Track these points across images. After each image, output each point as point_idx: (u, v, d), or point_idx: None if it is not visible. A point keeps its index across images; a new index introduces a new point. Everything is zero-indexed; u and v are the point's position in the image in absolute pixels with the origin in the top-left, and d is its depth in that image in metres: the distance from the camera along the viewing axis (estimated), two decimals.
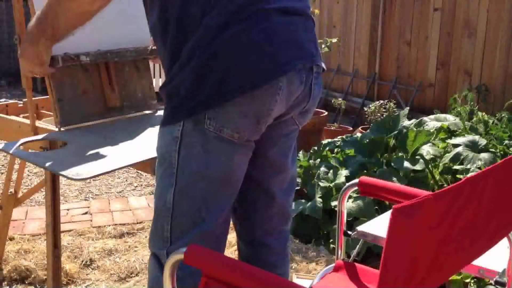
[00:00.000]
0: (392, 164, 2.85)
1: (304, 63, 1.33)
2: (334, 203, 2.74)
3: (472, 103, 3.98)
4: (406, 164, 2.80)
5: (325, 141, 3.41)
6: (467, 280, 2.24)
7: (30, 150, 1.82)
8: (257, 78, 1.25)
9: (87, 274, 2.53)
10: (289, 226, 1.64)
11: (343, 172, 2.90)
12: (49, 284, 1.94)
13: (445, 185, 2.81)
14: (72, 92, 1.89)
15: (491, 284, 2.14)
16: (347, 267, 1.54)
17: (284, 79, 1.29)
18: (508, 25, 4.52)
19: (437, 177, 2.85)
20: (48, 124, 2.01)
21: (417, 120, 3.35)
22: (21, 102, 2.40)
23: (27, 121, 2.00)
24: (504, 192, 1.10)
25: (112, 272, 2.54)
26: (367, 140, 3.08)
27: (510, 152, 2.91)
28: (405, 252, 0.88)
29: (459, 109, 3.79)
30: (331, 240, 2.73)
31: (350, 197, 2.67)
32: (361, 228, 1.68)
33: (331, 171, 2.95)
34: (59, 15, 1.45)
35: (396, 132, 3.04)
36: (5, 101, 2.50)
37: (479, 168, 2.71)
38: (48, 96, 1.94)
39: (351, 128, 4.75)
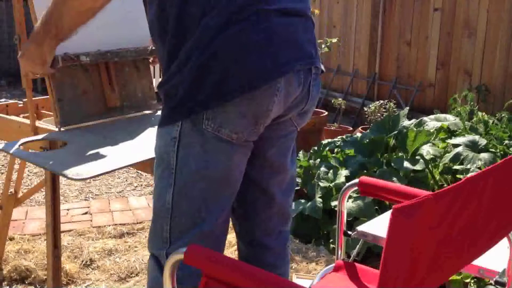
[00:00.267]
0: (392, 164, 2.85)
1: (303, 64, 1.33)
2: (334, 203, 2.74)
3: (472, 103, 3.97)
4: (406, 164, 2.80)
5: (325, 141, 3.41)
6: (467, 280, 2.24)
7: (30, 150, 1.82)
8: (256, 79, 1.25)
9: (87, 274, 2.53)
10: (289, 227, 1.64)
11: (343, 172, 2.90)
12: (49, 284, 1.94)
13: (445, 185, 2.81)
14: (72, 92, 1.89)
15: (491, 284, 2.14)
16: (347, 267, 1.54)
17: (283, 80, 1.29)
18: (508, 25, 4.52)
19: (437, 177, 2.85)
20: (48, 124, 2.01)
21: (417, 120, 3.35)
22: (21, 102, 2.40)
23: (27, 121, 2.00)
24: (504, 192, 1.10)
25: (112, 272, 2.54)
26: (367, 140, 3.08)
27: (510, 152, 2.91)
28: (405, 252, 0.88)
29: (459, 109, 3.79)
30: (331, 240, 2.73)
31: (350, 197, 2.67)
32: (361, 228, 1.68)
33: (331, 171, 2.95)
34: (63, 14, 1.45)
35: (396, 132, 3.04)
36: (5, 101, 2.50)
37: (479, 168, 2.71)
38: (48, 96, 1.94)
39: (351, 128, 4.75)
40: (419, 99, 5.27)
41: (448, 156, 2.87)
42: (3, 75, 7.61)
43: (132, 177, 3.95)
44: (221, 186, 1.34)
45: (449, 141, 3.02)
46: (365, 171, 2.89)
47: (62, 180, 2.99)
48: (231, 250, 2.58)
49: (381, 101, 4.31)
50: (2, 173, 3.90)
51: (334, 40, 4.69)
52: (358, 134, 3.36)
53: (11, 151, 1.69)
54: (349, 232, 1.60)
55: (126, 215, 3.23)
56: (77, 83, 1.91)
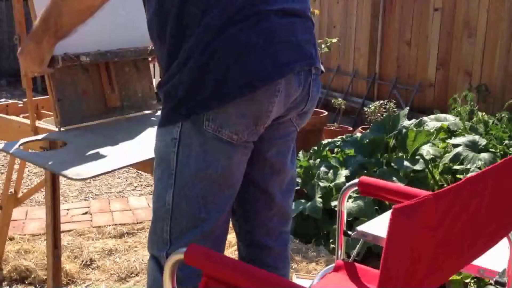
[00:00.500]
0: (392, 164, 2.85)
1: (303, 65, 1.33)
2: (334, 203, 2.74)
3: (472, 103, 3.97)
4: (406, 164, 2.80)
5: (325, 141, 3.41)
6: (467, 280, 2.24)
7: (30, 150, 1.82)
8: (256, 80, 1.25)
9: (87, 274, 2.53)
10: (289, 227, 1.64)
11: (343, 172, 2.90)
12: (49, 284, 1.94)
13: (445, 185, 2.81)
14: (72, 92, 1.89)
15: (491, 284, 2.14)
16: (347, 267, 1.54)
17: (283, 81, 1.29)
18: (508, 25, 4.52)
19: (437, 177, 2.85)
20: (48, 124, 2.02)
21: (417, 120, 3.35)
22: (21, 102, 2.40)
23: (27, 121, 2.00)
24: (504, 192, 1.10)
25: (112, 272, 2.54)
26: (367, 140, 3.08)
27: (510, 152, 2.91)
28: (405, 252, 0.88)
29: (459, 109, 3.79)
30: (331, 240, 2.73)
31: (350, 197, 2.67)
32: (361, 228, 1.68)
33: (331, 171, 2.95)
34: (63, 12, 1.45)
35: (396, 132, 3.04)
36: (5, 101, 2.50)
37: (479, 168, 2.71)
38: (48, 96, 1.94)
39: (351, 128, 4.75)
40: (419, 99, 5.27)
41: (448, 156, 2.87)
42: (3, 75, 7.61)
43: (132, 177, 3.95)
44: (221, 186, 1.34)
45: (449, 141, 3.02)
46: (365, 171, 2.89)
47: (62, 180, 2.99)
48: (231, 250, 2.58)
49: (381, 101, 4.31)
50: (2, 173, 3.90)
51: (334, 40, 4.69)
52: (358, 134, 3.36)
53: (11, 151, 1.69)
54: (349, 232, 1.60)
55: (126, 215, 3.23)
56: (77, 83, 1.91)
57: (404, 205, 0.85)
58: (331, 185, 2.86)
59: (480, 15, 4.70)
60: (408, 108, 3.62)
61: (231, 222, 1.53)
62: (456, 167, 2.79)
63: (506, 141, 3.02)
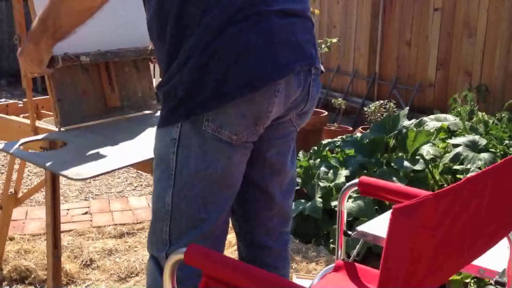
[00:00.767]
0: (392, 164, 2.85)
1: (302, 65, 1.33)
2: (334, 203, 2.74)
3: (472, 103, 3.97)
4: (406, 164, 2.80)
5: (325, 141, 3.41)
6: (467, 280, 2.24)
7: (30, 150, 1.82)
8: (256, 80, 1.25)
9: (87, 274, 2.53)
10: (289, 228, 1.64)
11: (343, 172, 2.90)
12: (49, 284, 1.94)
13: (445, 185, 2.81)
14: (72, 92, 1.89)
15: (491, 284, 2.14)
16: (347, 267, 1.54)
17: (283, 81, 1.29)
18: (508, 25, 4.52)
19: (437, 177, 2.85)
20: (48, 124, 2.02)
21: (417, 120, 3.35)
22: (21, 102, 2.40)
23: (27, 121, 2.00)
24: (504, 192, 1.10)
25: (112, 272, 2.54)
26: (367, 140, 3.08)
27: (510, 152, 2.91)
28: (405, 252, 0.88)
29: (459, 109, 3.79)
30: (331, 240, 2.73)
31: (350, 197, 2.67)
32: (361, 228, 1.68)
33: (331, 171, 2.95)
34: (62, 13, 1.44)
35: (396, 132, 3.04)
36: (5, 101, 2.50)
37: (479, 168, 2.71)
38: (48, 96, 1.94)
39: (351, 128, 4.75)
40: (419, 99, 5.27)
41: (448, 156, 2.87)
42: (3, 75, 7.61)
43: (132, 177, 3.95)
44: (221, 187, 1.34)
45: (449, 141, 3.02)
46: (365, 171, 2.89)
47: (62, 180, 2.99)
48: (231, 250, 2.58)
49: (381, 101, 4.31)
50: (2, 173, 3.90)
51: (334, 40, 4.69)
52: (358, 134, 3.36)
53: (11, 151, 1.69)
54: (349, 232, 1.60)
55: (126, 215, 3.23)
56: (77, 83, 1.91)
57: (404, 205, 0.85)
58: (331, 185, 2.86)
59: (480, 15, 4.70)
60: (408, 108, 3.62)
61: (231, 222, 1.53)
62: (456, 167, 2.79)
63: (506, 141, 3.02)
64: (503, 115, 3.62)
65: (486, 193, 1.02)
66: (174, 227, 1.34)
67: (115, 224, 3.08)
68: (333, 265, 1.56)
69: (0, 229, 2.40)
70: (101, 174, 1.56)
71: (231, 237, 2.05)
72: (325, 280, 1.51)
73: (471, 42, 4.80)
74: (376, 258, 2.49)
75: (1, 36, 7.71)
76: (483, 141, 2.91)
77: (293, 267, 2.53)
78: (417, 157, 2.88)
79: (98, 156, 1.64)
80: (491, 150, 2.88)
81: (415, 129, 3.04)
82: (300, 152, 3.30)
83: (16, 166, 2.50)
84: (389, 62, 5.58)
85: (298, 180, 3.05)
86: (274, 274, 1.05)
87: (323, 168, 2.98)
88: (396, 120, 3.11)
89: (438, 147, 3.01)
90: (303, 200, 2.89)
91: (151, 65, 2.15)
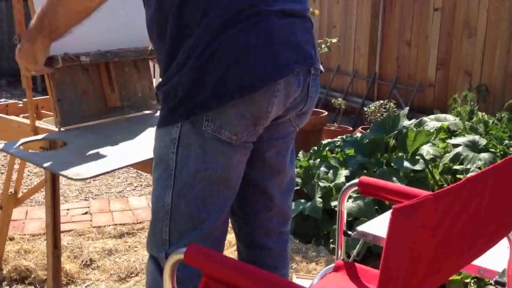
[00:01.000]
0: (392, 164, 2.85)
1: (302, 65, 1.33)
2: (334, 203, 2.74)
3: (472, 103, 3.97)
4: (406, 164, 2.80)
5: (325, 141, 3.41)
6: (467, 280, 2.24)
7: (30, 150, 1.82)
8: (256, 80, 1.25)
9: (87, 274, 2.53)
10: (289, 228, 1.64)
11: (343, 172, 2.90)
12: (49, 284, 1.94)
13: (445, 185, 2.81)
14: (72, 92, 1.89)
15: (491, 284, 2.14)
16: (347, 267, 1.54)
17: (282, 81, 1.29)
18: (508, 25, 4.52)
19: (437, 177, 2.85)
20: (48, 124, 2.02)
21: (417, 120, 3.35)
22: (21, 102, 2.40)
23: (27, 121, 2.00)
24: (504, 192, 1.10)
25: (112, 272, 2.54)
26: (367, 140, 3.08)
27: (510, 152, 2.91)
28: (405, 252, 0.88)
29: (459, 109, 3.79)
30: (331, 240, 2.73)
31: (350, 197, 2.67)
32: (361, 228, 1.68)
33: (331, 171, 2.95)
34: (58, 12, 1.44)
35: (396, 132, 3.04)
36: (5, 101, 2.50)
37: (479, 168, 2.71)
38: (48, 96, 1.94)
39: (351, 128, 4.75)
40: (419, 99, 5.27)
41: (448, 156, 2.87)
42: (3, 75, 7.62)
43: (132, 177, 3.95)
44: (220, 187, 1.34)
45: (449, 141, 3.02)
46: (365, 171, 2.89)
47: (62, 180, 2.99)
48: (231, 250, 2.58)
49: (381, 101, 4.31)
50: (2, 173, 3.90)
51: (334, 40, 4.69)
52: (358, 134, 3.36)
53: (11, 151, 1.69)
54: (349, 232, 1.60)
55: (126, 215, 3.23)
56: (77, 83, 1.91)
57: (404, 205, 0.85)
58: (331, 185, 2.86)
59: (480, 15, 4.70)
60: (408, 108, 3.62)
61: (230, 223, 1.53)
62: (456, 167, 2.79)
63: (506, 141, 3.02)
64: (503, 115, 3.62)
65: (486, 193, 1.02)
66: (173, 228, 1.34)
67: (115, 224, 3.08)
68: (333, 265, 1.56)
69: (0, 229, 2.40)
70: (101, 174, 1.56)
71: (231, 237, 2.05)
72: (325, 280, 1.51)
73: (471, 42, 4.80)
74: (376, 258, 2.49)
75: (1, 36, 7.71)
76: (483, 141, 2.91)
77: (293, 267, 2.53)
78: (417, 157, 2.88)
79: (98, 156, 1.64)
80: (491, 150, 2.88)
81: (415, 129, 3.04)
82: (300, 152, 3.30)
83: (16, 166, 2.50)
84: (389, 62, 5.58)
85: (298, 180, 3.05)
86: (274, 274, 1.05)
87: (323, 168, 2.98)
88: (396, 120, 3.11)
89: (438, 147, 3.01)
90: (303, 200, 2.89)
91: (151, 65, 2.15)
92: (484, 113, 3.70)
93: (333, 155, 3.18)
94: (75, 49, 1.80)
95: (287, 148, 1.51)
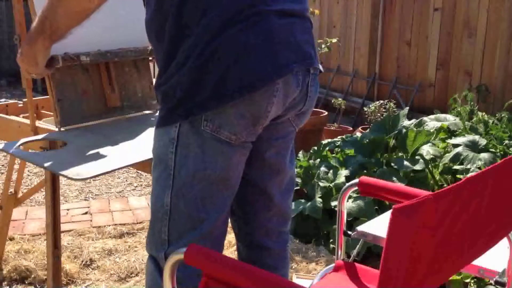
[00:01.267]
0: (392, 164, 2.85)
1: (301, 65, 1.33)
2: (334, 203, 2.74)
3: (472, 103, 3.97)
4: (406, 164, 2.80)
5: (325, 141, 3.41)
6: (467, 280, 2.24)
7: (30, 150, 1.82)
8: (255, 80, 1.25)
9: (87, 274, 2.53)
10: (288, 228, 1.64)
11: (343, 172, 2.90)
12: (49, 284, 1.94)
13: (445, 185, 2.81)
14: (72, 92, 1.89)
15: (491, 284, 2.14)
16: (347, 267, 1.54)
17: (281, 81, 1.29)
18: (508, 25, 4.52)
19: (437, 177, 2.85)
20: (48, 124, 2.02)
21: (417, 120, 3.35)
22: (21, 102, 2.40)
23: (27, 121, 2.00)
24: (504, 192, 1.10)
25: (112, 272, 2.54)
26: (367, 140, 3.08)
27: (510, 152, 2.91)
28: (405, 252, 0.88)
29: (459, 109, 3.79)
30: (331, 240, 2.73)
31: (350, 197, 2.67)
32: (361, 228, 1.68)
33: (331, 171, 2.95)
34: (58, 13, 1.44)
35: (396, 132, 3.04)
36: (5, 101, 2.50)
37: (479, 168, 2.71)
38: (48, 96, 1.94)
39: (351, 128, 4.75)
40: (419, 99, 5.27)
41: (448, 156, 2.87)
42: (3, 75, 7.62)
43: (132, 177, 3.95)
44: (220, 187, 1.34)
45: (449, 141, 3.02)
46: (365, 171, 2.89)
47: (62, 180, 2.99)
48: (231, 250, 2.58)
49: (381, 101, 4.31)
50: (2, 173, 3.90)
51: (334, 40, 4.69)
52: (358, 134, 3.36)
53: (11, 151, 1.69)
54: (349, 232, 1.60)
55: (126, 215, 3.23)
56: (77, 83, 1.91)
57: (404, 205, 0.85)
58: (331, 185, 2.86)
59: (480, 15, 4.70)
60: (408, 108, 3.62)
61: (230, 223, 1.53)
62: (456, 167, 2.79)
63: (506, 141, 3.02)
64: (503, 115, 3.62)
65: (486, 193, 1.02)
66: (172, 227, 1.34)
67: (115, 224, 3.08)
68: (333, 265, 1.56)
69: (0, 229, 2.40)
70: (101, 174, 1.56)
71: (231, 237, 2.05)
72: (325, 280, 1.51)
73: (471, 42, 4.80)
74: (376, 258, 2.50)
75: (1, 36, 7.71)
76: (483, 141, 2.91)
77: (293, 267, 2.53)
78: (417, 157, 2.88)
79: (98, 156, 1.64)
80: (491, 150, 2.88)
81: (415, 129, 3.04)
82: (300, 152, 3.30)
83: (16, 166, 2.50)
84: (389, 62, 5.58)
85: (298, 180, 3.05)
86: (274, 274, 1.05)
87: (323, 168, 2.98)
88: (396, 120, 3.11)
89: (438, 147, 3.01)
90: (303, 200, 2.89)
91: (151, 65, 2.15)
92: (484, 113, 3.71)
93: (333, 155, 3.18)
94: (75, 49, 1.80)
95: (287, 148, 1.51)
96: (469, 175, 2.37)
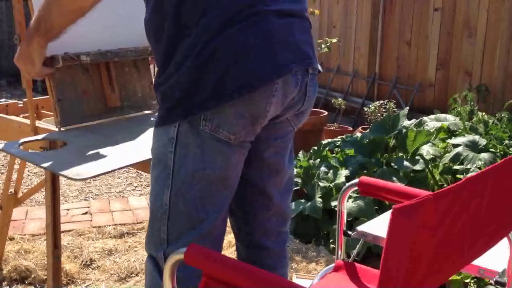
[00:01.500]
0: (392, 164, 2.85)
1: (300, 65, 1.33)
2: (334, 203, 2.74)
3: (472, 103, 3.97)
4: (406, 164, 2.80)
5: (325, 141, 3.41)
6: (467, 280, 2.24)
7: (30, 150, 1.82)
8: (254, 80, 1.25)
9: (87, 274, 2.53)
10: (287, 228, 1.64)
11: (343, 172, 2.90)
12: (49, 284, 1.94)
13: (445, 185, 2.81)
14: (72, 92, 1.89)
15: (491, 284, 2.14)
16: (347, 267, 1.54)
17: (280, 81, 1.29)
18: (508, 25, 4.52)
19: (437, 177, 2.85)
20: (48, 124, 2.02)
21: (417, 120, 3.35)
22: (21, 102, 2.40)
23: (27, 121, 2.00)
24: (504, 192, 1.10)
25: (112, 272, 2.54)
26: (367, 140, 3.08)
27: (510, 152, 2.91)
28: (405, 252, 0.88)
29: (459, 109, 3.79)
30: (331, 240, 2.73)
31: (350, 197, 2.67)
32: (361, 228, 1.68)
33: (331, 171, 2.95)
34: (53, 12, 1.45)
35: (396, 132, 3.04)
36: (5, 101, 2.50)
37: (479, 168, 2.71)
38: (48, 96, 1.94)
39: (351, 128, 4.75)
40: (419, 99, 5.27)
41: (448, 156, 2.87)
42: (3, 75, 7.61)
43: (132, 177, 3.95)
44: (219, 186, 1.33)
45: (449, 141, 3.02)
46: (365, 171, 2.89)
47: (62, 180, 2.99)
48: (231, 250, 2.58)
49: (381, 101, 4.31)
50: (2, 173, 3.90)
51: (334, 40, 4.69)
52: (358, 134, 3.36)
53: (11, 151, 1.69)
54: (349, 232, 1.60)
55: (126, 215, 3.23)
56: (77, 83, 1.91)
57: (404, 205, 0.85)
58: (331, 185, 2.86)
59: (480, 15, 4.70)
60: (408, 108, 3.62)
61: (229, 223, 1.53)
62: (456, 167, 2.79)
63: (506, 141, 3.02)
64: (503, 115, 3.62)
65: (486, 193, 1.02)
66: (172, 227, 1.34)
67: (115, 224, 3.08)
68: (333, 265, 1.56)
69: (0, 229, 2.40)
70: (101, 174, 1.56)
71: (231, 237, 2.05)
72: (325, 280, 1.51)
73: (471, 42, 4.80)
74: (376, 258, 2.50)
75: (1, 36, 7.71)
76: (483, 141, 2.91)
77: (293, 267, 2.53)
78: (417, 157, 2.88)
79: (98, 156, 1.64)
80: (491, 150, 2.88)
81: (415, 129, 3.04)
82: (300, 152, 3.30)
83: (16, 166, 2.51)
84: (389, 62, 5.58)
85: (298, 180, 3.05)
86: (274, 274, 1.05)
87: (323, 168, 2.98)
88: (396, 120, 3.11)
89: (438, 147, 3.01)
90: (303, 200, 2.89)
91: (151, 65, 2.15)
92: (484, 113, 3.71)
93: (333, 155, 3.18)
94: (75, 48, 1.80)
95: (286, 148, 1.51)
96: (469, 175, 2.37)
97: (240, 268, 1.05)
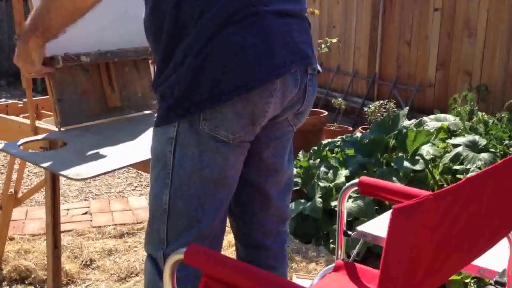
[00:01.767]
0: (392, 164, 2.85)
1: (299, 65, 1.33)
2: (334, 203, 2.74)
3: (472, 103, 3.97)
4: (406, 164, 2.80)
5: (325, 141, 3.41)
6: (467, 280, 2.24)
7: (30, 150, 1.82)
8: (253, 80, 1.25)
9: (87, 274, 2.53)
10: (286, 227, 1.64)
11: (343, 172, 2.90)
12: (49, 284, 1.94)
13: (445, 185, 2.81)
14: (72, 92, 1.89)
15: (491, 284, 2.13)
16: (347, 267, 1.54)
17: (279, 81, 1.29)
18: (508, 25, 4.52)
19: (437, 177, 2.85)
20: (48, 124, 2.02)
21: (417, 120, 3.35)
22: (21, 102, 2.41)
23: (27, 121, 2.00)
24: (504, 192, 1.10)
25: (112, 272, 2.54)
26: (367, 140, 3.08)
27: (510, 152, 2.91)
28: (405, 252, 0.88)
29: (459, 109, 3.79)
30: (331, 240, 2.73)
31: (350, 197, 2.67)
32: (361, 228, 1.68)
33: (331, 171, 2.95)
34: (52, 11, 1.44)
35: (396, 132, 3.04)
36: (5, 101, 2.50)
37: (479, 168, 2.71)
38: (48, 96, 1.94)
39: (351, 128, 4.75)
40: (419, 99, 5.27)
41: (448, 156, 2.87)
42: (3, 75, 7.61)
43: (132, 177, 3.95)
44: (218, 186, 1.33)
45: (449, 141, 3.02)
46: (365, 171, 2.89)
47: (62, 180, 2.99)
48: (230, 250, 2.58)
49: (381, 101, 4.31)
50: (2, 173, 3.90)
51: (334, 40, 4.69)
52: (358, 134, 3.36)
53: (11, 151, 1.69)
54: (349, 232, 1.60)
55: (126, 215, 3.23)
56: (77, 83, 1.91)
57: (404, 205, 0.85)
58: (331, 185, 2.86)
59: (480, 15, 4.70)
60: (408, 108, 3.62)
61: (229, 223, 1.53)
62: (456, 167, 2.79)
63: (506, 141, 3.02)
64: (503, 115, 3.63)
65: (486, 193, 1.02)
66: (171, 227, 1.34)
67: (115, 224, 3.08)
68: (333, 265, 1.56)
69: (0, 229, 2.41)
70: (101, 174, 1.56)
71: (231, 237, 2.05)
72: (325, 280, 1.51)
73: (471, 42, 4.80)
74: (376, 258, 2.50)
75: (1, 36, 7.71)
76: (483, 141, 2.92)
77: (293, 267, 2.53)
78: (417, 157, 2.88)
79: (98, 156, 1.64)
80: (491, 150, 2.88)
81: (415, 129, 3.04)
82: (300, 152, 3.30)
83: (16, 166, 2.51)
84: (389, 62, 5.58)
85: (298, 180, 3.05)
86: (274, 274, 1.05)
87: (323, 168, 2.98)
88: (396, 120, 3.11)
89: (438, 147, 3.01)
90: (303, 200, 2.89)
91: (151, 65, 2.15)
92: (484, 113, 3.70)
93: (333, 155, 3.18)
94: (75, 49, 1.80)
95: (285, 148, 1.51)
96: (469, 175, 2.37)
97: (240, 268, 1.05)
